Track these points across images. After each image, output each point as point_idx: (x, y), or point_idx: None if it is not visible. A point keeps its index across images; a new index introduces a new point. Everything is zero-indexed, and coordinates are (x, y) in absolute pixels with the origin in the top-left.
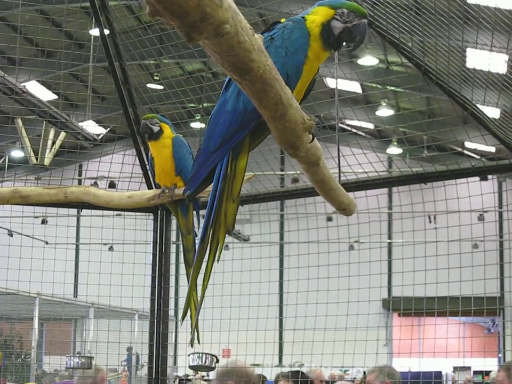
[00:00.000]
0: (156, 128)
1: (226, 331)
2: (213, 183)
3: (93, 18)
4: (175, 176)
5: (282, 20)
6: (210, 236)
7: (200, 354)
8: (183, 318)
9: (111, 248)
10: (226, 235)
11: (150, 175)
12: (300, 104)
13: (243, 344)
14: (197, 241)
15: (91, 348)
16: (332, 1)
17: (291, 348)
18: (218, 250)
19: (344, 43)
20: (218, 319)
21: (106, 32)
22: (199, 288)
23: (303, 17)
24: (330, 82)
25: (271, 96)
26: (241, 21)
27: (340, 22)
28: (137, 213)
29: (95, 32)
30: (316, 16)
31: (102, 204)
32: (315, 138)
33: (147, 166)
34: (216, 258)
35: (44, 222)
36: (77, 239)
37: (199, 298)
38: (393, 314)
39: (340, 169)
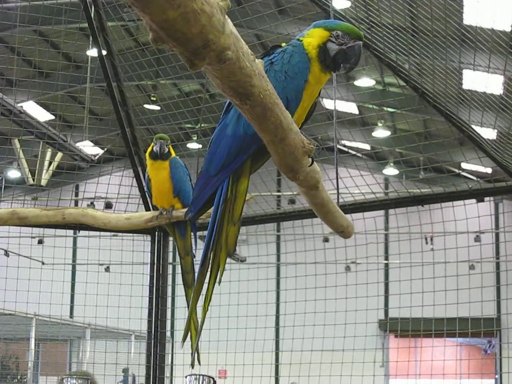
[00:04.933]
0: (166, 149)
1: (223, 352)
2: (213, 206)
3: (91, 40)
4: (173, 197)
5: (283, 44)
6: (211, 259)
7: (197, 376)
8: (183, 340)
9: (107, 269)
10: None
11: (147, 196)
12: (301, 127)
13: (240, 366)
14: (196, 262)
15: (87, 369)
16: (327, 22)
17: (288, 369)
18: (219, 273)
19: (341, 64)
20: (216, 340)
21: (104, 53)
22: (199, 309)
23: (299, 40)
24: (327, 104)
25: (271, 121)
26: (242, 46)
27: (335, 44)
28: (135, 234)
29: (93, 53)
30: (312, 38)
31: (99, 226)
32: (314, 161)
33: (145, 187)
34: (217, 281)
35: (40, 242)
36: (74, 259)
37: (199, 321)
38: (390, 336)
39: (338, 192)
